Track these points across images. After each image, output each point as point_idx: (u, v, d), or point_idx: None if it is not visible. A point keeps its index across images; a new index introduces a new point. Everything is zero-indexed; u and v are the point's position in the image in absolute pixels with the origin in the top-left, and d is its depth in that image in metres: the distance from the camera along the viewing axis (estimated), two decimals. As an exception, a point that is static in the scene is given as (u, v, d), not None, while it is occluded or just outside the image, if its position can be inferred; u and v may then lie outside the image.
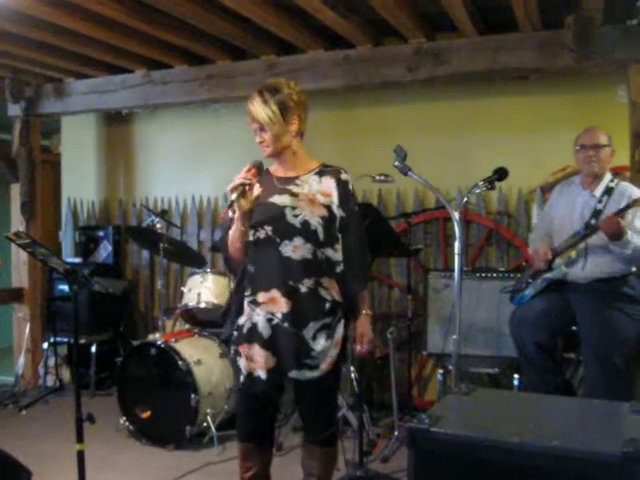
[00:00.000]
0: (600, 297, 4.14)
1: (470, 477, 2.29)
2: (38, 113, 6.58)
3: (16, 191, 6.65)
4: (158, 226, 5.72)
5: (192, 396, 4.81)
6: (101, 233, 6.99)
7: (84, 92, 6.34)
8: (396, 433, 4.91)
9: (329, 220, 3.13)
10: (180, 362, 4.89)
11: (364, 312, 3.26)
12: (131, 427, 5.07)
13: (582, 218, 4.27)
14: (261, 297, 3.11)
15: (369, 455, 4.64)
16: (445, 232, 5.77)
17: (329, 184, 3.18)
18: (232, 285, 3.38)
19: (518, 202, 5.62)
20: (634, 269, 4.20)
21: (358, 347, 3.25)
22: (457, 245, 3.50)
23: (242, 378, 3.18)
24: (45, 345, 6.50)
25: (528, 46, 4.81)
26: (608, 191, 4.24)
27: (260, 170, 3.07)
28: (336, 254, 3.16)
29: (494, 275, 5.22)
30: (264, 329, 3.10)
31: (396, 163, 3.54)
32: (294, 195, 3.13)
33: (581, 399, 4.19)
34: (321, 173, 3.22)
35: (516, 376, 4.90)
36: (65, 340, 6.43)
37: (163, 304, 5.98)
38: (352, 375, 5.11)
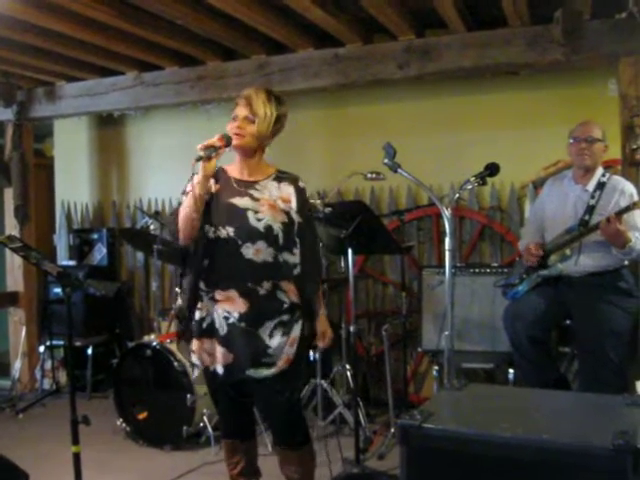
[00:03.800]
0: (594, 291, 4.15)
1: (462, 472, 2.30)
2: (30, 117, 6.57)
3: (9, 195, 6.65)
4: (152, 228, 5.72)
5: (188, 397, 4.80)
6: (95, 236, 6.98)
7: (75, 95, 6.34)
8: (392, 430, 4.91)
9: (288, 225, 3.21)
10: (176, 363, 4.89)
11: (322, 312, 3.38)
12: (128, 428, 5.08)
13: (575, 213, 4.27)
14: (218, 295, 3.18)
15: (365, 452, 4.65)
16: (439, 228, 5.78)
17: (288, 191, 3.26)
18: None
19: (511, 197, 5.63)
20: (627, 262, 4.21)
21: (320, 344, 3.39)
22: (447, 241, 3.52)
23: (196, 372, 3.29)
24: (41, 348, 6.51)
25: (517, 41, 4.81)
26: (600, 186, 4.24)
27: (228, 143, 3.11)
28: (293, 257, 3.24)
29: (488, 271, 5.22)
30: (221, 326, 3.19)
31: (385, 161, 3.56)
32: (255, 200, 3.19)
33: (575, 393, 4.20)
34: (278, 179, 3.29)
35: (511, 371, 4.91)
36: (61, 343, 6.40)
37: (158, 305, 5.99)
38: (348, 372, 5.13)
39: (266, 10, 4.74)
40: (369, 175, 5.07)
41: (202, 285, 3.23)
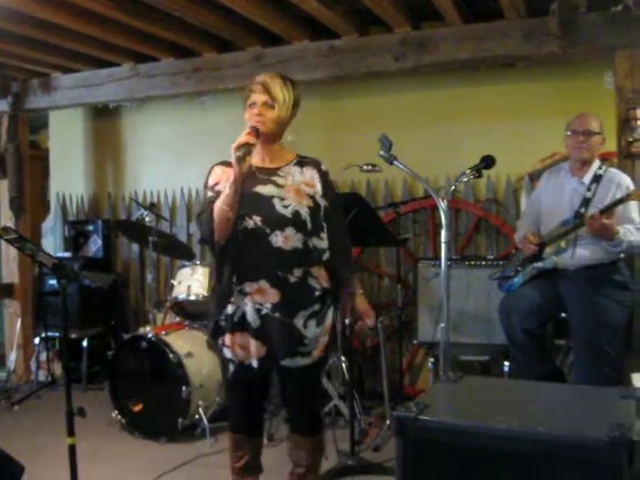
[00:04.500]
0: (589, 284, 4.15)
1: (458, 464, 2.30)
2: (25, 108, 6.55)
3: (4, 187, 6.63)
4: (147, 219, 5.72)
5: (183, 388, 4.81)
6: (90, 227, 6.97)
7: (71, 86, 6.32)
8: (388, 422, 4.92)
9: (315, 210, 3.17)
10: (171, 355, 4.89)
11: (359, 292, 3.45)
12: (123, 420, 5.07)
13: (571, 206, 4.26)
14: (248, 287, 3.11)
15: (361, 444, 4.64)
16: (434, 221, 5.78)
17: (311, 175, 3.22)
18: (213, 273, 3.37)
19: (506, 190, 5.64)
20: (622, 255, 4.21)
21: (368, 321, 3.44)
22: (443, 233, 3.51)
23: (232, 367, 3.20)
24: (37, 340, 6.50)
25: (513, 34, 4.81)
26: (597, 178, 4.22)
27: (258, 135, 3.05)
28: (322, 242, 3.21)
29: (483, 263, 5.23)
30: (253, 319, 3.11)
31: (381, 152, 3.54)
32: (280, 186, 3.14)
33: (570, 385, 4.21)
34: (300, 164, 3.25)
35: (506, 363, 4.93)
36: (56, 335, 6.40)
37: (153, 297, 5.98)
38: (343, 365, 5.12)
39: (262, 2, 4.73)
40: (365, 167, 5.06)
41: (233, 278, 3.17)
